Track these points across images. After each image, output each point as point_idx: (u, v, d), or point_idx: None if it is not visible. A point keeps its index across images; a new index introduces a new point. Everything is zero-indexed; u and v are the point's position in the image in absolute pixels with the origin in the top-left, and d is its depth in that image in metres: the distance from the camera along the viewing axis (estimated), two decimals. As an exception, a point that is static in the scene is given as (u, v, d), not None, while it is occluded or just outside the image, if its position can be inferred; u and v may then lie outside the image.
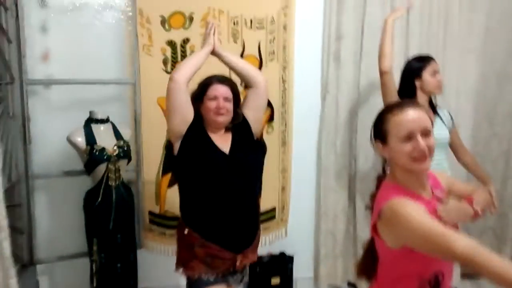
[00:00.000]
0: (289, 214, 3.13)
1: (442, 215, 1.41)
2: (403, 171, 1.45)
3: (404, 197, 1.39)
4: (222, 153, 2.03)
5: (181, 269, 2.05)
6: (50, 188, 2.65)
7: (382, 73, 2.48)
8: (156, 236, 2.85)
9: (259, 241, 2.18)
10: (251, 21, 2.84)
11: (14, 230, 2.38)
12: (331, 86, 3.11)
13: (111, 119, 2.56)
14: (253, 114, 2.14)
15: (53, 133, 2.52)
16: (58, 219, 2.69)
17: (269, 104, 2.92)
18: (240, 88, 2.22)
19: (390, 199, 1.39)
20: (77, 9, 2.57)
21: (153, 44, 2.70)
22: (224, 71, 2.23)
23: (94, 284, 2.41)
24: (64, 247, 2.62)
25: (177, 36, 2.71)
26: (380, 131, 1.49)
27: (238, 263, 2.05)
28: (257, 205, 2.19)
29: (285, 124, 3.04)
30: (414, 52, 3.01)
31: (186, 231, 2.03)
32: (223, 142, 2.06)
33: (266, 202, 2.97)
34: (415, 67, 2.48)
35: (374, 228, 1.46)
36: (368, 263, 1.61)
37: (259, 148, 2.28)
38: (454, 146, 2.61)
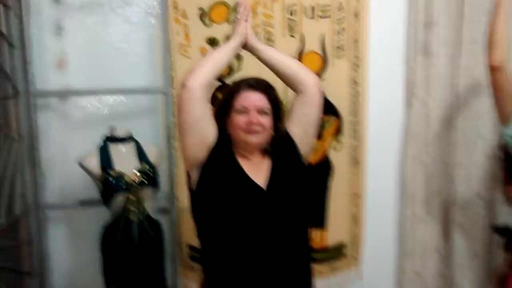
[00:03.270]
0: (363, 250, 2.53)
1: None
2: None
3: None
4: (257, 187, 1.48)
5: None
6: (67, 221, 2.26)
7: (492, 69, 1.78)
8: (199, 276, 2.36)
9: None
10: (312, 9, 2.28)
11: (20, 273, 2.02)
12: (419, 88, 2.44)
13: (140, 135, 2.11)
14: (301, 130, 1.57)
15: (70, 154, 2.09)
16: (76, 257, 2.29)
17: (336, 113, 2.37)
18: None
19: None
20: (97, 5, 2.15)
21: (191, 43, 2.24)
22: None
23: None
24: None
25: (219, 32, 2.23)
26: None
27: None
28: (307, 255, 1.61)
29: (358, 138, 2.43)
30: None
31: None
32: (259, 171, 1.51)
33: (333, 235, 2.46)
34: None
35: None
36: None
37: (309, 176, 1.68)
38: None
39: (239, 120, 1.48)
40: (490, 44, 1.78)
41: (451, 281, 2.51)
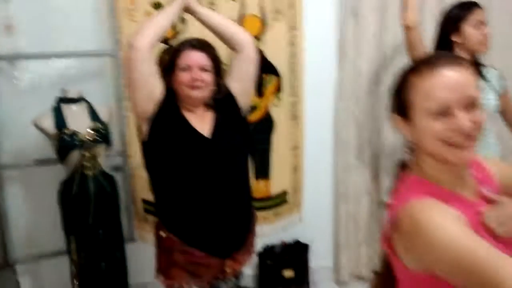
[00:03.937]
0: (303, 197, 2.76)
1: (493, 226, 0.97)
2: (433, 160, 1.01)
3: (432, 198, 0.95)
4: (202, 136, 1.65)
5: (161, 278, 1.72)
6: (23, 180, 2.34)
7: (406, 29, 2.02)
8: (153, 226, 2.53)
9: (253, 240, 1.83)
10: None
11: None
12: (349, 48, 2.64)
13: (91, 97, 2.22)
14: (240, 84, 1.75)
15: (23, 117, 2.16)
16: (36, 214, 2.39)
17: (276, 72, 2.55)
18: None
19: (409, 201, 0.96)
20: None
21: (136, 7, 2.34)
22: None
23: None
24: (44, 244, 2.34)
25: (163, -4, 2.33)
26: (400, 101, 1.04)
27: (227, 270, 1.70)
28: (248, 198, 1.82)
29: (296, 95, 2.63)
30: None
31: (163, 234, 1.70)
32: (202, 122, 1.69)
33: (276, 184, 2.68)
34: (452, 18, 1.97)
35: (388, 241, 1.05)
36: (387, 281, 1.19)
37: (248, 126, 1.88)
38: (507, 116, 2.12)
39: (183, 77, 1.64)
40: (405, 6, 2.02)
41: (380, 219, 2.82)
